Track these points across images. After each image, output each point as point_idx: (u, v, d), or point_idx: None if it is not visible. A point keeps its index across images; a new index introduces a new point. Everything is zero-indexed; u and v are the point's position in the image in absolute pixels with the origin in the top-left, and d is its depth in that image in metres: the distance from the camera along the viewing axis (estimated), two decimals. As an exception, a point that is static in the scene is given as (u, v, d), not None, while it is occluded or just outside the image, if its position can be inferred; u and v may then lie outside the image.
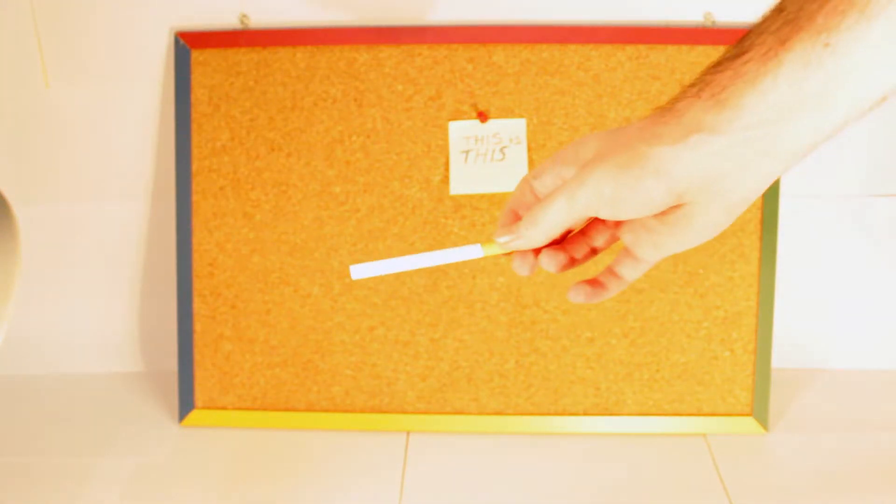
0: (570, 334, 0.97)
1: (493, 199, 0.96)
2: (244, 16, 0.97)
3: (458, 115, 0.95)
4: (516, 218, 0.53)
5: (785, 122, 0.42)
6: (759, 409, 0.96)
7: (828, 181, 1.02)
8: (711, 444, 0.95)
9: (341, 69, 0.96)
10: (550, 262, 0.53)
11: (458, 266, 0.97)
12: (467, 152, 0.95)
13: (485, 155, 0.95)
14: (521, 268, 0.53)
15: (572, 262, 0.54)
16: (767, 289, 0.95)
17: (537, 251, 0.53)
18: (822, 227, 1.03)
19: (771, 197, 0.95)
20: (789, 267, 1.02)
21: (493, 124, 0.95)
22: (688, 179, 0.44)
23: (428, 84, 0.95)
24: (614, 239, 0.54)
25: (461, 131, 0.95)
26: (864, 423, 0.98)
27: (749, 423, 0.96)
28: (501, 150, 0.95)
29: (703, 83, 0.44)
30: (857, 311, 1.06)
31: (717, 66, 0.44)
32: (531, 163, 0.95)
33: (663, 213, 0.47)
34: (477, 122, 0.95)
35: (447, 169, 0.96)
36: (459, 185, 0.96)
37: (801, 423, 0.98)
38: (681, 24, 0.95)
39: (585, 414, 0.98)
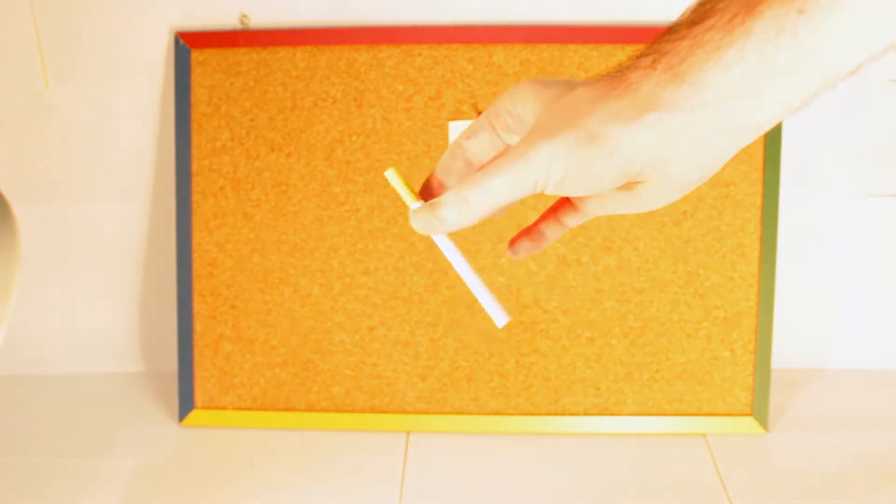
0: (570, 334, 0.97)
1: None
2: (244, 16, 0.97)
3: (458, 115, 0.95)
4: (440, 189, 0.47)
5: (749, 97, 0.38)
6: (759, 409, 0.96)
7: (828, 181, 1.02)
8: (711, 444, 0.95)
9: (341, 69, 0.96)
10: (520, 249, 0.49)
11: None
12: (467, 152, 0.95)
13: (485, 155, 0.95)
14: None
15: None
16: (767, 289, 0.95)
17: None
18: (822, 228, 1.03)
19: (771, 197, 0.95)
20: (789, 267, 1.02)
21: (493, 124, 0.95)
22: (641, 161, 0.40)
23: (428, 84, 0.95)
24: None
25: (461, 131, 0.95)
26: (864, 423, 0.98)
27: (749, 423, 0.96)
28: (501, 150, 0.95)
29: (658, 52, 0.40)
30: (857, 311, 1.06)
31: (673, 33, 0.39)
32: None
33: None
34: (477, 122, 0.95)
35: (447, 169, 0.96)
36: (459, 185, 0.96)
37: (801, 423, 0.98)
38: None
39: (585, 414, 0.98)
